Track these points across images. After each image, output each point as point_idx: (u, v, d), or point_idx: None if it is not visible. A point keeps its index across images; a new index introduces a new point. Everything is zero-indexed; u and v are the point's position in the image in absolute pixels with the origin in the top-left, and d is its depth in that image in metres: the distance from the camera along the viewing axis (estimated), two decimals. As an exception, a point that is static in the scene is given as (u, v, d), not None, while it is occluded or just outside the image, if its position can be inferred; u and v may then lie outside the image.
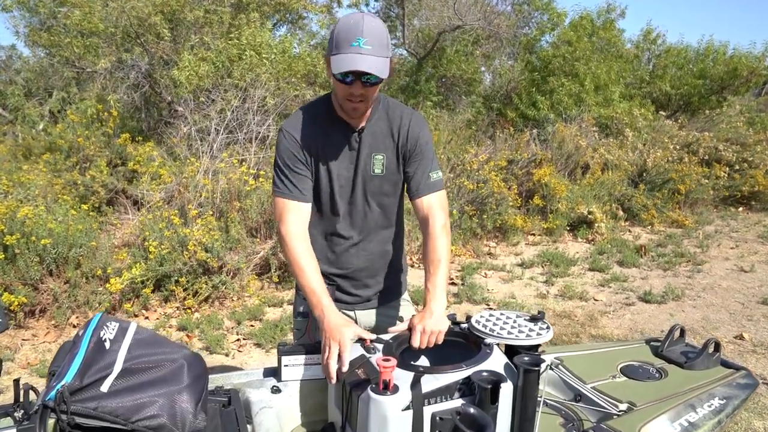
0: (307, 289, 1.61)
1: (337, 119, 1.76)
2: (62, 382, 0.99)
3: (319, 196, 1.80)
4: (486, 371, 1.34)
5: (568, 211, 6.97)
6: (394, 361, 1.24)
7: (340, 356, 1.43)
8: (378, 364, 1.24)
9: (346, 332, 1.47)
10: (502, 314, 1.65)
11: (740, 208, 8.70)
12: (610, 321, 4.39)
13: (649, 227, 7.45)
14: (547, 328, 1.58)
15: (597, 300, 4.84)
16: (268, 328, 4.04)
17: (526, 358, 1.38)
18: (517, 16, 14.71)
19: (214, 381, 1.62)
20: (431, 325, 1.56)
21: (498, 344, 1.52)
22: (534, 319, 1.61)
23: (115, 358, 1.09)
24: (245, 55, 6.98)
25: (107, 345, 1.10)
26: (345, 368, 1.41)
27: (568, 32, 10.57)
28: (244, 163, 5.81)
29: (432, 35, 13.02)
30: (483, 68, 15.00)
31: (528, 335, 1.52)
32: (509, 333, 1.53)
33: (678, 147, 8.92)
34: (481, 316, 1.63)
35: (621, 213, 7.53)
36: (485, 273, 5.53)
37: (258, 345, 3.90)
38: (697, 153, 8.94)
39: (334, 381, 1.43)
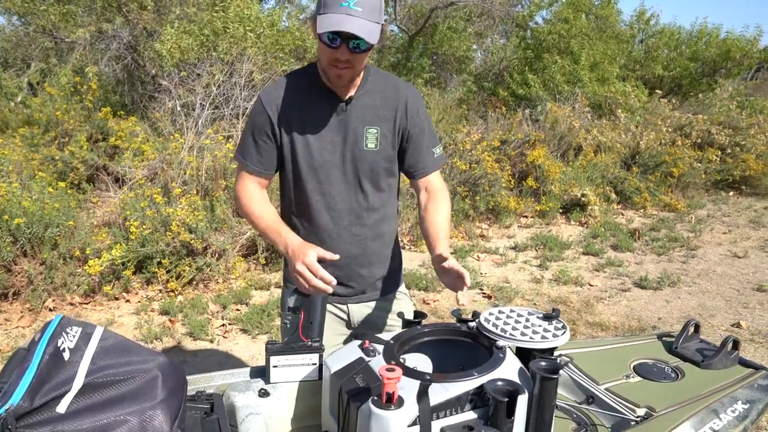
0: (266, 229, 1.62)
1: (322, 88, 1.61)
2: (7, 405, 0.83)
3: (300, 175, 1.65)
4: (500, 380, 1.20)
5: (561, 193, 6.85)
6: (399, 371, 1.09)
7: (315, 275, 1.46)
8: (381, 374, 1.09)
9: (309, 252, 1.48)
10: (512, 311, 1.51)
11: (731, 193, 8.64)
12: (606, 307, 4.29)
13: (642, 210, 7.37)
14: (563, 327, 1.44)
15: (592, 285, 4.74)
16: (254, 313, 3.89)
17: (542, 364, 1.24)
18: (511, -7, 14.45)
19: (196, 383, 1.47)
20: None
21: (509, 346, 1.38)
22: (548, 317, 1.47)
23: (75, 371, 0.93)
24: (230, 28, 6.71)
25: (66, 355, 0.93)
26: (333, 281, 1.46)
27: (566, 9, 10.35)
28: (230, 140, 5.60)
29: (424, 12, 12.74)
30: (475, 46, 14.77)
31: (544, 336, 1.38)
32: (523, 334, 1.38)
33: (671, 129, 8.82)
34: (491, 314, 1.49)
35: (614, 196, 7.43)
36: (478, 256, 5.41)
37: (244, 331, 3.76)
38: (690, 136, 8.84)
39: (330, 290, 1.47)
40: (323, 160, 1.63)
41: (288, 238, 1.55)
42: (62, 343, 0.95)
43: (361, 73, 1.61)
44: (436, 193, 1.73)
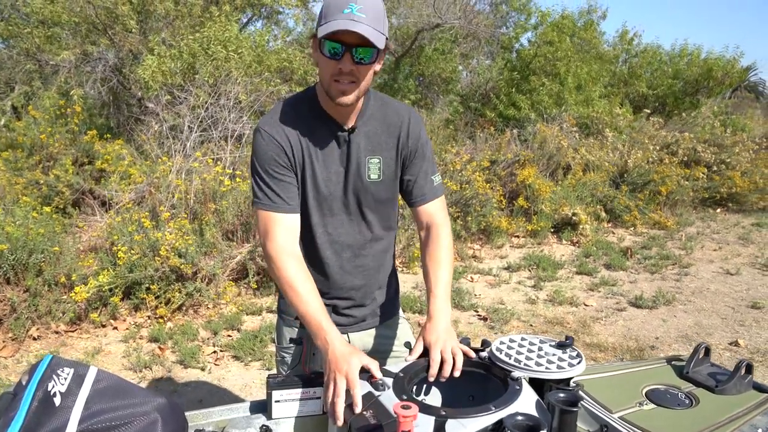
0: (306, 315, 1.40)
1: (323, 116, 1.51)
2: (-6, 460, 0.75)
3: (305, 207, 1.55)
4: (519, 414, 1.13)
5: (552, 212, 6.85)
6: (415, 409, 1.03)
7: (348, 393, 1.23)
8: (396, 412, 1.03)
9: (354, 363, 1.27)
10: (524, 340, 1.45)
11: (718, 210, 8.71)
12: (603, 328, 4.25)
13: (632, 229, 7.39)
14: (578, 356, 1.38)
15: (587, 305, 4.70)
16: (246, 339, 3.79)
17: (561, 395, 1.18)
18: (495, 15, 14.65)
19: (193, 420, 1.39)
20: (448, 347, 1.36)
21: (524, 377, 1.32)
22: (562, 345, 1.42)
23: (67, 418, 0.85)
24: (211, 50, 6.67)
25: (57, 401, 0.86)
26: (358, 408, 1.19)
27: (550, 32, 10.49)
28: (219, 163, 5.53)
29: (411, 33, 12.85)
30: (461, 67, 14.91)
31: (559, 366, 1.32)
32: (538, 364, 1.33)
33: (658, 148, 8.90)
34: (502, 343, 1.43)
35: (604, 214, 7.45)
36: (471, 277, 5.36)
37: (236, 357, 3.65)
38: (677, 154, 8.93)
39: (340, 423, 1.20)
40: (328, 193, 1.54)
41: (332, 340, 1.34)
42: (53, 386, 0.87)
43: (362, 99, 1.52)
44: (438, 231, 1.61)
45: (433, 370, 1.33)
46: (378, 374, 1.29)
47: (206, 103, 6.21)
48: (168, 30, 7.42)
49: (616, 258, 5.88)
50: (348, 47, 1.34)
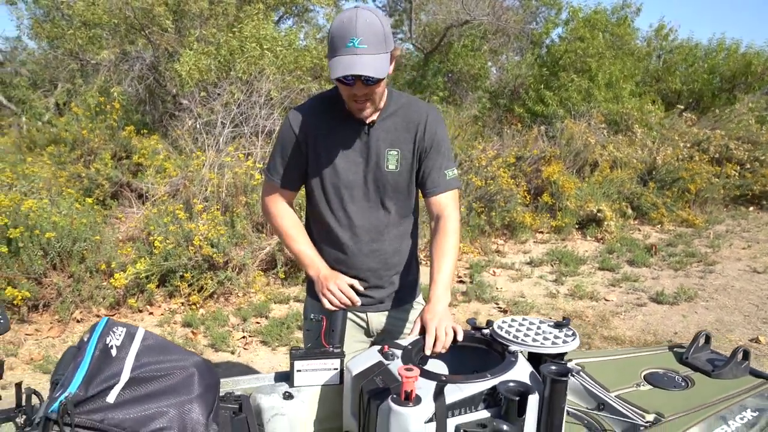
0: (299, 253, 1.77)
1: (347, 112, 1.69)
2: (66, 393, 0.92)
3: (325, 193, 1.74)
4: (512, 381, 1.26)
5: (577, 209, 6.88)
6: (417, 371, 1.17)
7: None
8: (399, 374, 1.17)
9: (341, 276, 1.73)
10: (524, 320, 1.58)
11: (751, 208, 8.58)
12: (622, 322, 4.31)
13: (659, 226, 7.36)
14: (573, 335, 1.50)
15: (608, 300, 4.76)
16: (274, 326, 3.98)
17: (552, 367, 1.31)
18: (525, 11, 14.60)
19: (224, 386, 1.55)
20: (442, 325, 1.50)
21: (521, 352, 1.45)
22: (559, 325, 1.54)
23: (122, 366, 1.02)
24: (247, 47, 6.90)
25: (114, 352, 1.03)
26: (357, 301, 1.68)
27: (582, 28, 10.42)
28: (250, 157, 5.74)
29: (439, 30, 12.92)
30: (489, 63, 14.89)
31: (554, 342, 1.44)
32: (534, 340, 1.45)
33: (688, 145, 8.80)
34: (503, 322, 1.56)
35: (630, 211, 7.43)
36: (493, 271, 5.46)
37: (264, 343, 3.84)
38: (708, 151, 8.81)
39: (358, 302, 1.68)
40: (348, 181, 1.71)
41: (320, 267, 1.73)
42: (110, 341, 1.04)
43: (384, 97, 1.69)
44: (445, 222, 1.73)
45: (429, 343, 1.47)
46: (356, 284, 1.73)
47: (238, 99, 6.43)
48: (201, 29, 7.68)
49: (639, 254, 5.90)
50: (357, 75, 1.50)
